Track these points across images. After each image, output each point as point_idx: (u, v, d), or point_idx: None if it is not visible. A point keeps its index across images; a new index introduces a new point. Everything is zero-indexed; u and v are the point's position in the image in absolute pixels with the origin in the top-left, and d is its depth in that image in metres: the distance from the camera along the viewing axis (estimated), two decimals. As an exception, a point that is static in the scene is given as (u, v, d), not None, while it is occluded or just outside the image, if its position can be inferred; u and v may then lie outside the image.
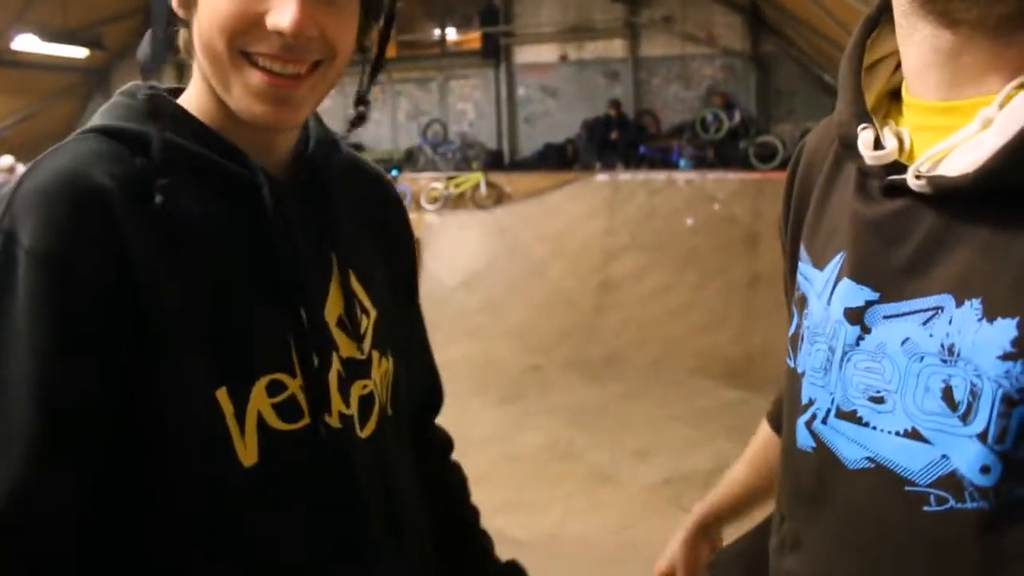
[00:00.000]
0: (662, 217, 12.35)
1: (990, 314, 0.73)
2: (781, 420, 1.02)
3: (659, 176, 13.69)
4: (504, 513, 6.61)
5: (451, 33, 18.03)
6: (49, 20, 15.52)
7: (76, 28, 16.14)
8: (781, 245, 1.10)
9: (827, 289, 0.89)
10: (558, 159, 15.67)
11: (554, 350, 11.11)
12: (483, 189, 14.36)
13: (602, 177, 13.93)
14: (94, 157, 0.93)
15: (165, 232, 0.91)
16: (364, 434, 1.04)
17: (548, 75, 16.68)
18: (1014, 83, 0.76)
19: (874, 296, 0.83)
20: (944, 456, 0.75)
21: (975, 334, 0.73)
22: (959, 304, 0.75)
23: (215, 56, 0.94)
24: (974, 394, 0.73)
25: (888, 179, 0.82)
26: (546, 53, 16.70)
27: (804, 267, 0.96)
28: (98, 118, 1.03)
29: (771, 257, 12.03)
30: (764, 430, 1.39)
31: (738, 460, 1.40)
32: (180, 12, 0.98)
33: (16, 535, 0.80)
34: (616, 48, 16.18)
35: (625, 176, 13.90)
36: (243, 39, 0.92)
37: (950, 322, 0.76)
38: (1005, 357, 0.71)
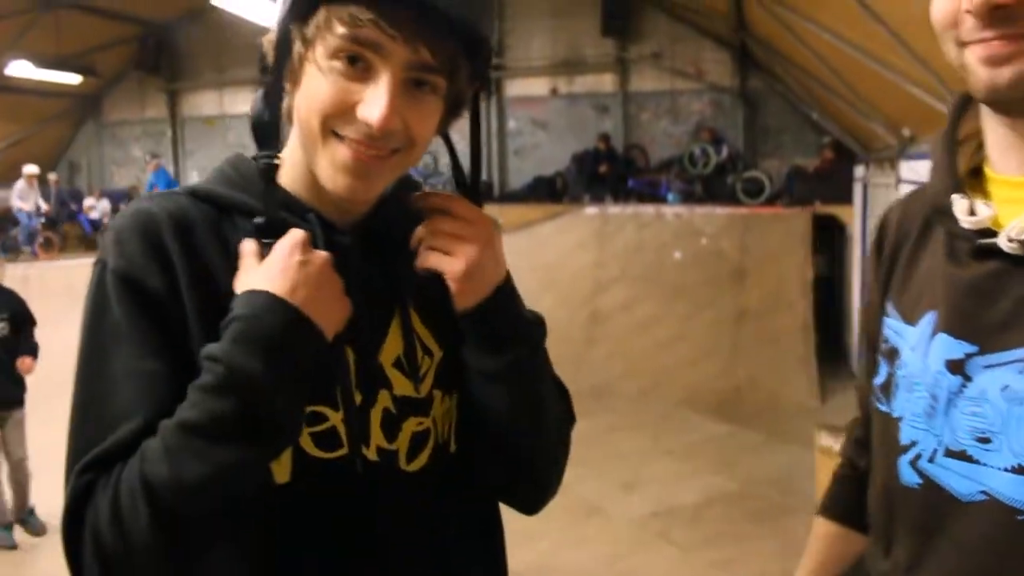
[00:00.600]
0: (651, 250, 12.45)
1: None
2: (838, 510, 1.23)
3: (648, 210, 13.81)
4: (493, 545, 6.64)
5: (443, 65, 18.17)
6: (43, 47, 15.61)
7: (69, 55, 16.23)
8: (871, 303, 1.22)
9: (922, 343, 1.01)
10: (548, 191, 15.78)
11: (542, 381, 11.16)
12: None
13: (591, 210, 14.04)
14: (163, 200, 1.15)
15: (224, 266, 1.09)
16: (412, 468, 1.14)
17: (538, 108, 16.86)
18: None
19: (973, 349, 0.94)
20: None
21: None
22: None
23: (309, 131, 1.09)
24: None
25: (980, 243, 0.95)
26: (537, 86, 16.88)
27: (893, 323, 1.10)
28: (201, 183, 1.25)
29: (758, 292, 12.16)
30: (824, 528, 1.40)
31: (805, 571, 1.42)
32: (287, 85, 1.13)
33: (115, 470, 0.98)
34: (606, 82, 16.40)
35: (614, 209, 14.01)
36: (334, 121, 1.05)
37: None
38: None
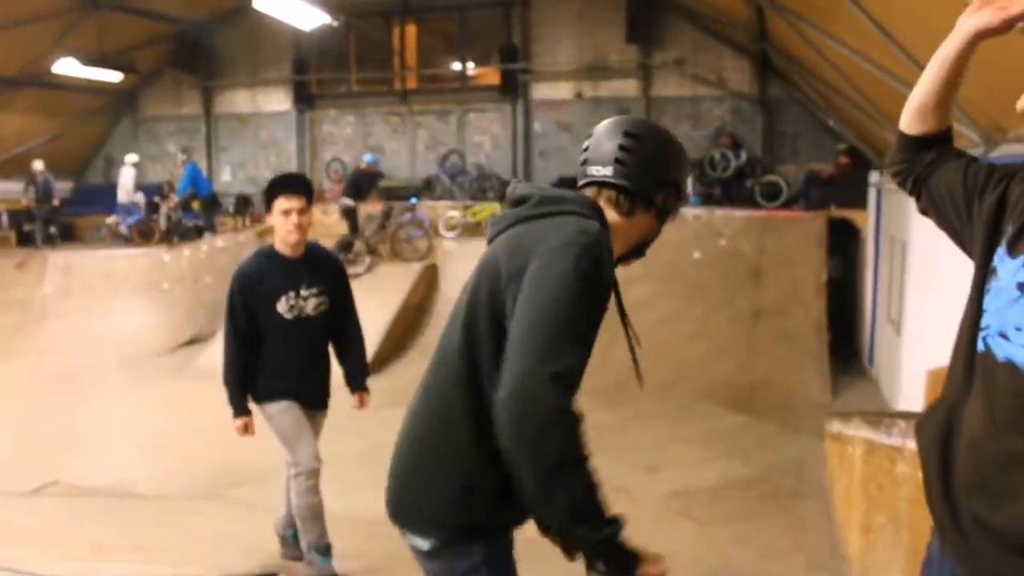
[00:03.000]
0: (671, 250, 12.88)
1: None
2: None
3: (669, 211, 14.25)
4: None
5: (471, 68, 18.74)
6: (86, 45, 16.16)
7: (110, 53, 16.78)
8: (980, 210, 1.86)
9: (1012, 271, 1.69)
10: (571, 192, 16.25)
11: (566, 374, 11.62)
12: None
13: (613, 210, 14.49)
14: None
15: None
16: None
17: (563, 111, 17.38)
18: None
19: None
20: None
21: None
22: None
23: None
24: None
25: None
26: (562, 90, 17.40)
27: (1001, 251, 1.73)
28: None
29: (774, 292, 12.62)
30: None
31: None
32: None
33: None
34: (629, 87, 16.91)
35: (636, 210, 14.45)
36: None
37: None
38: None
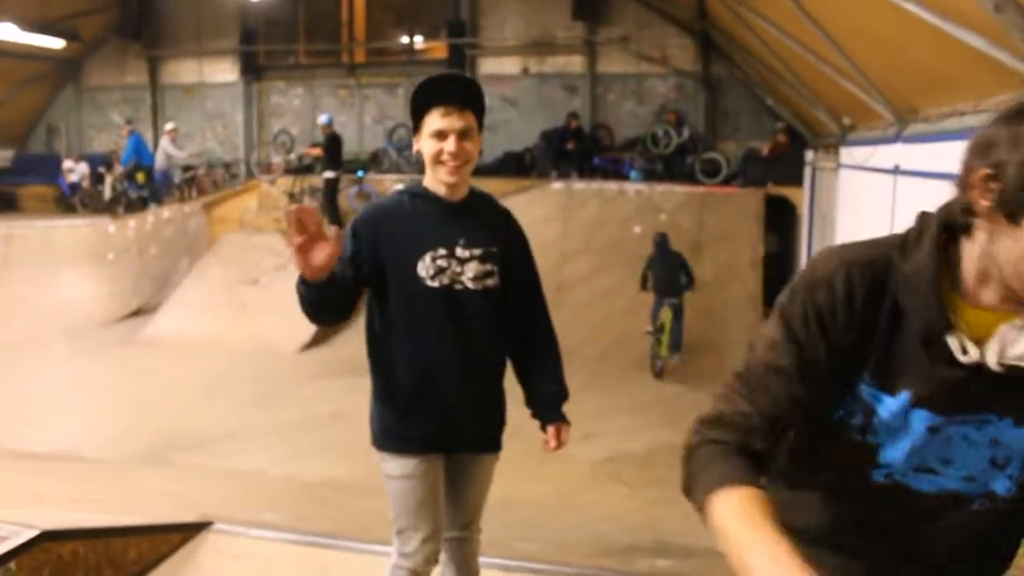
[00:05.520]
0: (613, 224, 13.20)
1: (1018, 424, 1.47)
2: (749, 478, 1.38)
3: (611, 186, 14.59)
4: (463, 482, 7.41)
5: (418, 42, 18.79)
6: (27, 11, 15.86)
7: (53, 19, 16.53)
8: (821, 341, 1.46)
9: (902, 411, 1.45)
10: (517, 166, 16.48)
11: (509, 345, 11.88)
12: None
13: (558, 185, 14.77)
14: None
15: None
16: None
17: (510, 86, 17.52)
18: None
19: (945, 418, 1.47)
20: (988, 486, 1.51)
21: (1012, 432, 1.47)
22: (1001, 419, 1.47)
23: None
24: (1008, 460, 1.49)
25: (964, 361, 1.42)
26: (509, 65, 17.55)
27: (868, 388, 1.45)
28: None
29: (711, 265, 13.00)
30: (742, 492, 1.37)
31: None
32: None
33: None
34: (575, 64, 17.11)
35: (579, 185, 14.75)
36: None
37: (996, 428, 1.48)
38: None
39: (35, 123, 20.44)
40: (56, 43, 17.22)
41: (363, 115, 18.63)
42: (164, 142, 16.66)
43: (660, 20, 16.33)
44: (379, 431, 2.84)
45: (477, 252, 2.76)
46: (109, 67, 19.88)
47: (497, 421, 2.94)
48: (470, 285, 2.75)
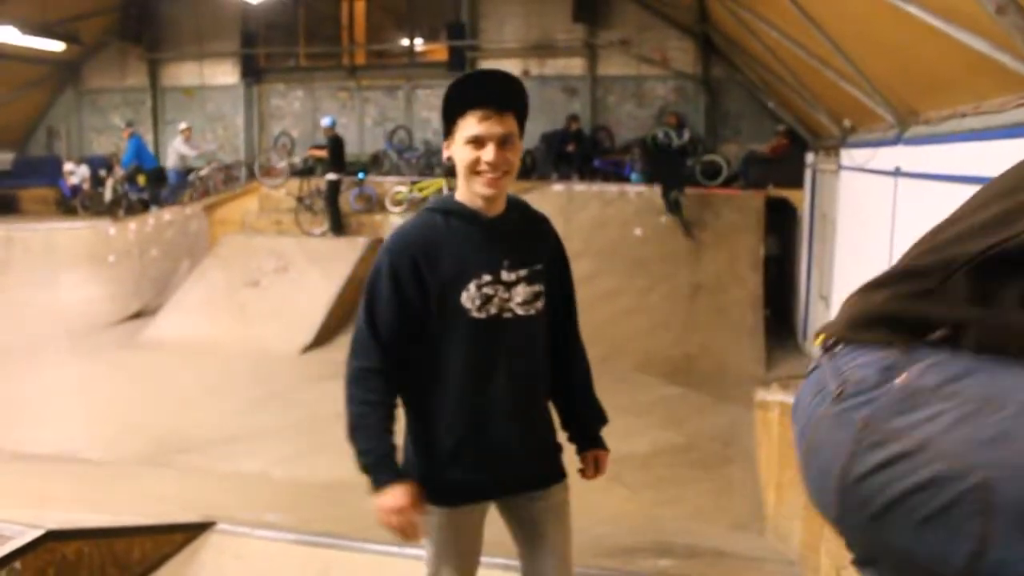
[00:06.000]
0: (614, 226, 13.21)
1: None
2: None
3: (611, 188, 14.60)
4: (464, 484, 7.41)
5: (419, 44, 18.81)
6: (28, 13, 15.91)
7: (54, 22, 16.56)
8: None
9: None
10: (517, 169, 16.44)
11: (509, 347, 11.89)
12: (445, 194, 15.03)
13: (558, 187, 14.78)
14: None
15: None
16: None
17: (510, 89, 17.47)
18: None
19: None
20: None
21: None
22: None
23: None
24: None
25: None
26: (509, 67, 17.38)
27: None
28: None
29: (712, 267, 13.02)
30: None
31: None
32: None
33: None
34: (576, 66, 17.14)
35: (580, 187, 14.76)
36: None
37: None
38: None
39: (35, 126, 20.46)
40: (56, 46, 17.25)
41: (363, 117, 18.66)
42: (177, 142, 16.65)
43: (660, 22, 16.36)
44: (418, 479, 2.40)
45: (523, 273, 2.44)
46: (110, 70, 19.90)
47: (551, 448, 2.57)
48: (519, 312, 2.43)
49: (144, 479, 6.96)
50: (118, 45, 19.38)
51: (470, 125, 2.32)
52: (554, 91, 17.28)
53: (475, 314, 2.37)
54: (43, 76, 19.39)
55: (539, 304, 2.46)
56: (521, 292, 2.43)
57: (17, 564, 2.95)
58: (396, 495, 2.29)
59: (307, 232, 14.76)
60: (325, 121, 15.40)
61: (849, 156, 9.77)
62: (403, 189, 15.36)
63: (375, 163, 17.55)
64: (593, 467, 2.65)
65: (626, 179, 15.34)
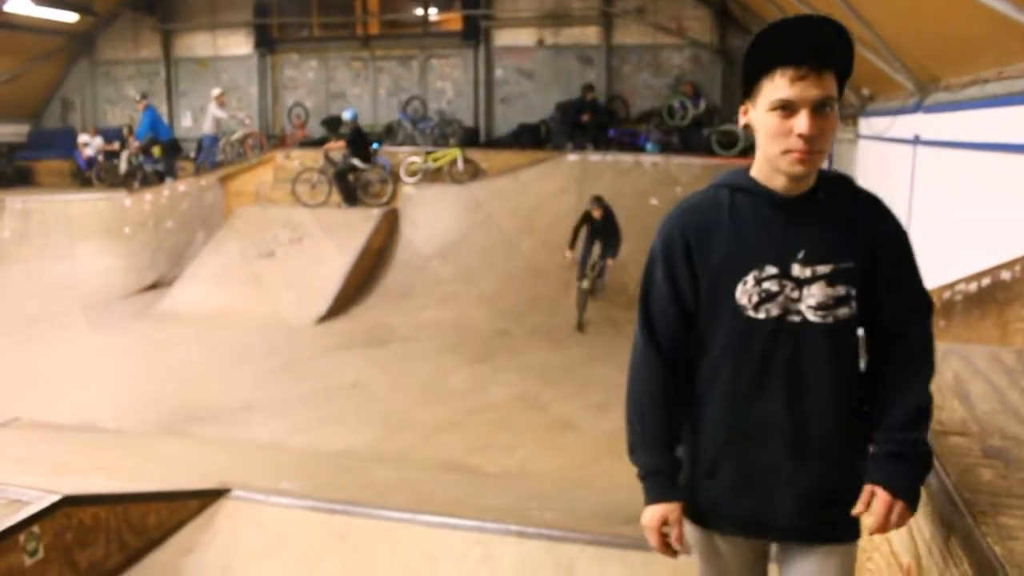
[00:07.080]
0: (629, 197, 13.11)
1: None
2: None
3: (627, 158, 14.48)
4: (478, 453, 7.44)
5: (433, 13, 18.67)
6: (41, -16, 15.88)
7: (67, -7, 16.52)
8: None
9: None
10: (532, 138, 16.41)
11: (523, 318, 11.89)
12: (460, 164, 15.00)
13: (573, 157, 14.68)
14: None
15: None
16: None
17: (525, 58, 17.41)
18: None
19: None
20: None
21: None
22: None
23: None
24: None
25: None
26: (524, 37, 17.42)
27: None
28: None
29: (728, 238, 12.89)
30: None
31: None
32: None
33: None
34: (591, 35, 16.98)
35: (595, 157, 14.65)
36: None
37: None
38: None
39: (50, 98, 20.45)
40: (70, 17, 17.24)
41: (377, 87, 18.57)
42: (212, 107, 16.59)
43: (676, -10, 16.18)
44: (683, 491, 2.12)
45: (824, 270, 1.97)
46: (123, 41, 19.85)
47: (838, 500, 2.02)
48: (811, 317, 1.98)
49: (160, 447, 7.02)
50: (131, 16, 19.33)
51: (779, 87, 1.88)
52: (569, 60, 17.15)
53: (751, 312, 1.99)
54: (57, 47, 19.35)
55: (843, 311, 1.98)
56: (817, 293, 1.98)
57: (35, 528, 2.97)
58: (652, 515, 2.07)
59: (304, 204, 14.64)
60: (346, 114, 15.29)
61: (868, 125, 9.65)
62: (417, 159, 15.30)
63: (389, 133, 17.49)
64: (883, 518, 1.97)
65: (641, 149, 15.23)
